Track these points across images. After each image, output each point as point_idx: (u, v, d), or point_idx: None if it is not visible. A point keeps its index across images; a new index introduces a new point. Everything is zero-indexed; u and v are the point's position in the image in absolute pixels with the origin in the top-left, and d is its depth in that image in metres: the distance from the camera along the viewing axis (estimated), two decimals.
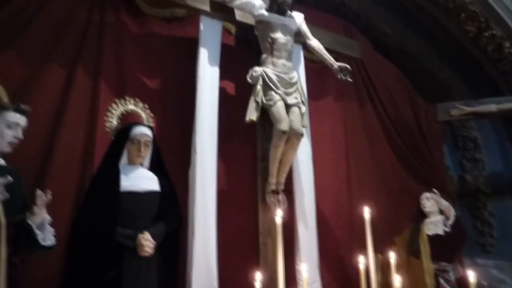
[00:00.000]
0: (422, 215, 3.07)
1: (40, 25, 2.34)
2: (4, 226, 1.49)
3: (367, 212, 1.98)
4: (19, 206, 1.66)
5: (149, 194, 2.04)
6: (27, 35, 2.28)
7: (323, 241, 2.84)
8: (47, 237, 1.65)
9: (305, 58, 3.10)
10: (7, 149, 1.61)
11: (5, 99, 1.67)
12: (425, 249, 2.87)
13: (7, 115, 1.59)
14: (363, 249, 2.01)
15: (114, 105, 2.13)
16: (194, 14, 2.77)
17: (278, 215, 1.83)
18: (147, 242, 1.91)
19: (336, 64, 2.87)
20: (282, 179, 2.66)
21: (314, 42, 2.93)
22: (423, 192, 3.13)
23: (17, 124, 1.62)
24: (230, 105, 2.79)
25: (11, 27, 2.25)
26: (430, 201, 3.02)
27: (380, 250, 2.53)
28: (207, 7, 2.70)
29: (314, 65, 3.26)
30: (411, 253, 2.97)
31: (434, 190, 3.06)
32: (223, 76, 2.73)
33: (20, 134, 1.64)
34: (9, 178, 1.16)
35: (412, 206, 3.17)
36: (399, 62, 3.99)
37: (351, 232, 3.09)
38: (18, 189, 1.67)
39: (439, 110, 3.61)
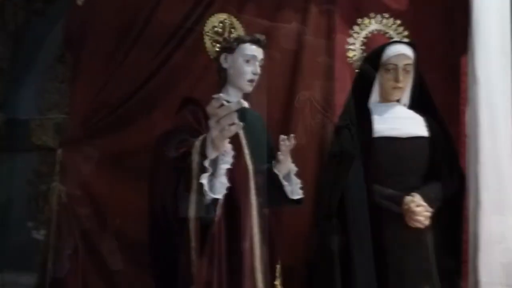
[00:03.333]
0: None
1: None
2: (252, 172, 1.32)
3: None
4: (266, 155, 1.48)
5: (415, 140, 1.44)
6: None
7: None
8: (294, 189, 1.40)
9: None
10: (248, 88, 1.43)
11: (241, 32, 1.51)
12: None
13: (243, 48, 1.40)
14: None
15: (355, 27, 1.63)
16: None
17: None
18: (420, 209, 1.33)
19: None
20: None
21: None
22: None
23: (254, 58, 1.41)
24: None
25: None
26: None
27: None
28: None
29: None
30: None
31: None
32: None
33: (258, 70, 1.43)
34: (243, 102, 0.89)
35: None
36: None
37: None
38: (263, 137, 1.49)
39: None
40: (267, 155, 1.48)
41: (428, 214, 1.35)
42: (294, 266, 1.80)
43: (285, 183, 1.38)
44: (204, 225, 1.02)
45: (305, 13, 2.00)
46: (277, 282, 1.35)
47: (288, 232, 1.79)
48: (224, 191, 1.00)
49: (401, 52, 1.45)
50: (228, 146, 0.96)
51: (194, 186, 0.97)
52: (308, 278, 1.66)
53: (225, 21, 1.50)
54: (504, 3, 1.71)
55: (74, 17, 2.03)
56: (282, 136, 1.33)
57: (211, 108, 0.88)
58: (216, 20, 1.50)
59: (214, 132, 0.90)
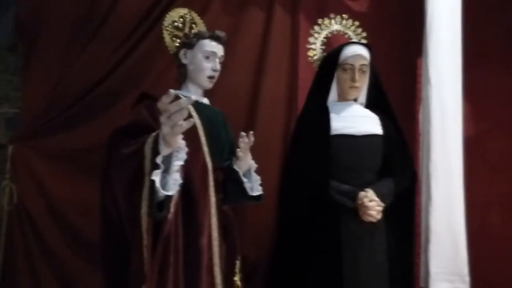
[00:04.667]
0: None
1: None
2: (211, 169, 1.31)
3: None
4: (227, 153, 1.48)
5: (370, 138, 1.49)
6: None
7: None
8: (254, 186, 1.40)
9: None
10: (208, 84, 1.42)
11: (202, 27, 1.48)
12: None
13: (203, 44, 1.39)
14: None
15: (316, 27, 1.66)
16: None
17: None
18: (372, 204, 1.39)
19: None
20: None
21: None
22: None
23: (214, 54, 1.40)
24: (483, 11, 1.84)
25: None
26: None
27: None
28: None
29: None
30: None
31: None
32: None
33: (218, 66, 1.42)
34: (192, 98, 0.89)
35: None
36: None
37: None
38: (225, 135, 1.49)
39: None
40: (228, 151, 1.47)
41: (380, 208, 1.41)
42: (256, 262, 1.82)
43: (245, 180, 1.38)
44: (157, 223, 1.01)
45: (269, 11, 2.02)
46: (237, 278, 1.36)
47: (250, 228, 1.81)
48: (177, 188, 0.98)
49: (357, 52, 1.49)
50: (181, 143, 0.95)
51: (146, 183, 0.95)
52: (269, 274, 1.68)
53: (186, 16, 1.47)
54: (456, 10, 1.81)
55: (27, 2, 1.91)
56: (242, 133, 1.33)
57: (161, 104, 0.86)
58: (176, 15, 1.46)
59: (165, 128, 0.88)
